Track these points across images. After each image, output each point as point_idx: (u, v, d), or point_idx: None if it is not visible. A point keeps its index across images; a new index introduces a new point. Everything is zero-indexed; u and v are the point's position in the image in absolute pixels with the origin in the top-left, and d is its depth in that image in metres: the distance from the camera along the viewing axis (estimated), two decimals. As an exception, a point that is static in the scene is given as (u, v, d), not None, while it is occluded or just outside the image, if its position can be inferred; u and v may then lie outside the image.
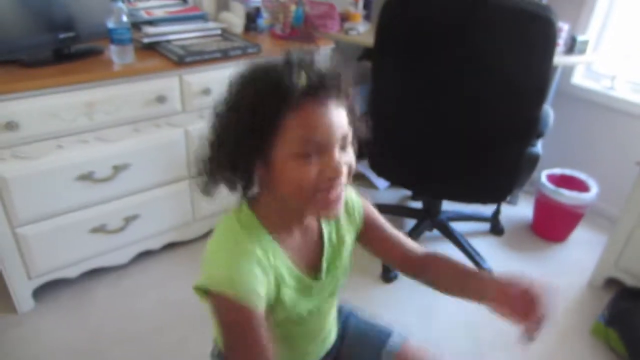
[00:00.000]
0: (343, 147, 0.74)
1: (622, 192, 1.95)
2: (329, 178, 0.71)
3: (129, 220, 1.83)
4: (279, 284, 0.79)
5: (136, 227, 1.86)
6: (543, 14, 1.43)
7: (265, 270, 0.76)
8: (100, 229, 1.77)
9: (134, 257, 1.95)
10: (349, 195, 0.92)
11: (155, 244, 1.98)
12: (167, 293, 1.85)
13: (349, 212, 0.93)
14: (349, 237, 0.93)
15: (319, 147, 0.70)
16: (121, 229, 1.82)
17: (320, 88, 0.70)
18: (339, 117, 0.72)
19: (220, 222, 0.81)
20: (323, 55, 0.78)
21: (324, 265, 0.89)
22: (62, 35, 1.59)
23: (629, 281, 1.87)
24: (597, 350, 1.71)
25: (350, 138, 0.75)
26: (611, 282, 1.96)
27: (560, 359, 1.69)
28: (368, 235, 0.96)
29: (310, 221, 0.87)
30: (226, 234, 0.79)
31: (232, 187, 0.79)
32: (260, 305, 0.73)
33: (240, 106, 0.72)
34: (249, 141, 0.71)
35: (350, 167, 0.75)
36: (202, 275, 0.76)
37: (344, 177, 0.73)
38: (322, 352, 1.01)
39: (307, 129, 0.69)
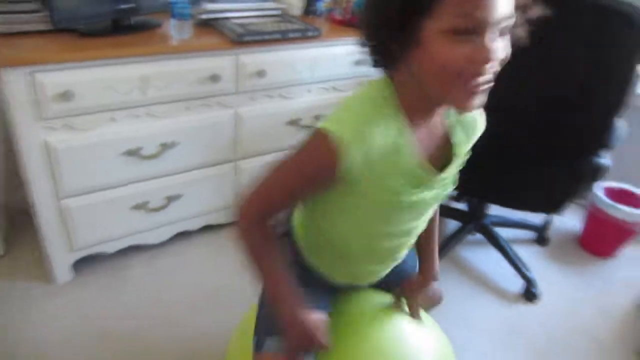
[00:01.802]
0: (502, 34, 0.66)
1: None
2: (479, 62, 0.64)
3: (171, 199, 1.79)
4: (389, 170, 0.77)
5: (177, 207, 1.82)
6: (631, 14, 1.33)
7: (392, 134, 0.75)
8: (142, 206, 1.73)
9: (170, 237, 1.91)
10: (479, 116, 0.89)
11: (193, 225, 1.95)
12: (201, 276, 1.82)
13: (470, 128, 0.88)
14: (463, 151, 0.88)
15: (477, 24, 0.62)
16: (163, 207, 1.78)
17: None
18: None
19: (361, 87, 0.79)
20: None
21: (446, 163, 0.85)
22: (122, 6, 1.55)
23: (683, 307, 1.79)
24: (645, 376, 1.64)
25: (511, 26, 0.68)
26: (662, 306, 1.88)
27: (607, 382, 1.63)
28: None
29: (437, 117, 0.81)
30: (365, 96, 0.77)
31: (385, 55, 0.74)
32: (344, 177, 0.73)
33: None
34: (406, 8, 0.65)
35: (505, 59, 0.68)
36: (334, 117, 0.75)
37: (494, 66, 0.67)
38: (380, 276, 1.05)
39: (468, 2, 0.61)
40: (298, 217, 0.99)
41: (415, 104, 0.75)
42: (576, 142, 1.59)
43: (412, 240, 0.97)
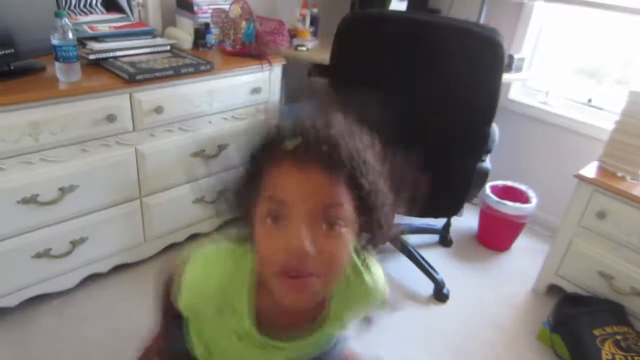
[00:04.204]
0: (330, 227, 0.61)
1: (560, 202, 2.08)
2: (280, 252, 0.59)
3: (76, 243, 1.74)
4: (220, 327, 0.79)
5: (84, 250, 1.78)
6: (493, 37, 1.51)
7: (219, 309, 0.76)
8: (44, 254, 1.67)
9: (80, 282, 1.85)
10: (378, 284, 0.82)
11: (103, 266, 1.90)
12: (118, 319, 1.78)
13: (357, 301, 0.82)
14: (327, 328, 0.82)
15: (284, 210, 0.60)
16: (67, 253, 1.73)
17: (308, 155, 0.60)
18: (322, 187, 0.60)
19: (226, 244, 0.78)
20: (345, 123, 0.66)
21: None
22: (-1, 52, 1.51)
23: (569, 288, 1.99)
24: (543, 355, 1.80)
25: (346, 223, 0.62)
26: (553, 289, 2.07)
27: (510, 365, 1.77)
28: None
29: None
30: (225, 254, 0.77)
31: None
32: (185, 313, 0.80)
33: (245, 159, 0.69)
34: (242, 195, 0.69)
35: (332, 259, 0.62)
36: (191, 255, 0.78)
37: (306, 264, 0.59)
38: None
39: (274, 187, 0.61)
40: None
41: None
42: (461, 150, 1.74)
43: None
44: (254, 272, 0.73)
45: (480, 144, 1.75)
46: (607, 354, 1.61)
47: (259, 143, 0.66)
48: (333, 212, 0.61)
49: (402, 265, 2.15)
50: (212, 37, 2.15)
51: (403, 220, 2.21)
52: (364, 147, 0.64)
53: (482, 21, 2.40)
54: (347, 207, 0.62)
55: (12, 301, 1.68)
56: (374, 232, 0.70)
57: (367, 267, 0.81)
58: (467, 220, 2.56)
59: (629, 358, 1.58)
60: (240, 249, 0.74)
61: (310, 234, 0.59)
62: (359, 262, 0.80)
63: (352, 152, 0.62)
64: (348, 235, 0.63)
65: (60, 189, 1.62)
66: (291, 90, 2.61)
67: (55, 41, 1.52)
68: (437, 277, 2.04)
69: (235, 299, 0.74)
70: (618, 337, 1.66)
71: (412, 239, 2.29)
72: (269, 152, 0.64)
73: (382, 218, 0.68)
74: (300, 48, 2.31)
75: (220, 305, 0.76)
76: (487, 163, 1.87)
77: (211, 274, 0.76)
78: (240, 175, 0.70)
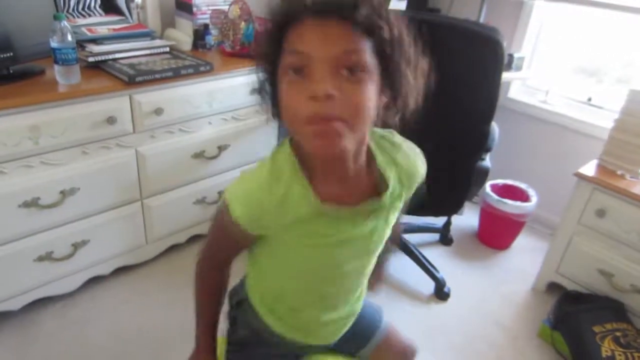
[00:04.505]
0: (352, 75, 0.64)
1: (560, 200, 2.08)
2: (304, 99, 0.63)
3: (77, 246, 1.75)
4: (287, 219, 0.78)
5: (86, 253, 1.79)
6: (493, 36, 1.51)
7: (283, 209, 0.76)
8: (46, 257, 1.68)
9: (82, 285, 1.86)
10: (412, 156, 0.87)
11: (105, 269, 1.91)
12: (120, 321, 1.78)
13: (407, 176, 0.85)
14: (399, 204, 0.86)
15: (306, 60, 0.64)
16: (69, 255, 1.74)
17: (327, 6, 0.64)
18: (340, 34, 0.64)
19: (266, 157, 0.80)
20: None
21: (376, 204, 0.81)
22: (-2, 56, 1.51)
23: (569, 286, 1.99)
24: (544, 353, 1.81)
25: (367, 74, 0.65)
26: (553, 287, 2.08)
27: (512, 363, 1.78)
28: None
29: (356, 167, 0.78)
30: (263, 166, 0.78)
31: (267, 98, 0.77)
32: (253, 231, 0.80)
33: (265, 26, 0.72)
34: (267, 60, 0.71)
35: (355, 103, 0.65)
36: (231, 184, 0.80)
37: (331, 108, 0.63)
38: (340, 332, 1.01)
39: (297, 41, 0.65)
40: (249, 281, 0.99)
41: (306, 158, 0.76)
42: (461, 149, 1.74)
43: (363, 279, 0.96)
44: (295, 161, 0.76)
45: (480, 142, 1.75)
46: (606, 351, 1.62)
47: (280, 4, 0.69)
48: (353, 57, 0.64)
49: (403, 264, 2.15)
50: (212, 38, 2.15)
51: (404, 220, 2.22)
52: (383, 8, 0.68)
53: (482, 20, 2.40)
54: (368, 54, 0.65)
55: (14, 305, 1.69)
56: (395, 95, 0.72)
57: (400, 140, 0.87)
58: (467, 218, 2.57)
59: (629, 354, 1.59)
60: (273, 153, 0.79)
61: (332, 79, 0.63)
62: (391, 135, 0.86)
63: (378, 12, 0.66)
64: (370, 81, 0.66)
65: (61, 192, 1.62)
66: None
67: (54, 44, 1.52)
68: (438, 275, 2.05)
69: (291, 186, 0.75)
70: (618, 333, 1.67)
71: (413, 238, 2.30)
72: (289, 9, 0.67)
73: (403, 78, 0.71)
74: (299, 48, 2.31)
75: (279, 198, 0.75)
76: (487, 162, 1.88)
77: (258, 176, 0.78)
78: (263, 37, 0.72)
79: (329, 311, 0.95)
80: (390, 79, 0.70)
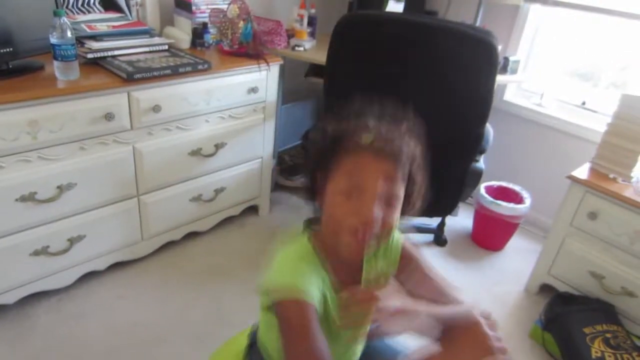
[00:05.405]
0: (388, 204, 0.79)
1: (553, 203, 2.10)
2: (358, 221, 0.77)
3: (73, 241, 1.76)
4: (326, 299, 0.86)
5: (81, 248, 1.80)
6: (487, 39, 1.53)
7: (320, 282, 0.84)
8: (42, 252, 1.69)
9: (77, 279, 1.87)
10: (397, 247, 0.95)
11: (101, 264, 1.92)
12: (115, 316, 1.80)
13: (388, 252, 0.94)
14: (385, 280, 0.94)
15: (359, 190, 0.77)
16: (65, 250, 1.75)
17: (381, 151, 0.77)
18: (388, 178, 0.78)
19: (283, 248, 0.89)
20: (406, 120, 0.84)
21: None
22: (-2, 51, 1.52)
23: (561, 287, 2.02)
24: (535, 353, 1.83)
25: (398, 202, 0.80)
26: (545, 288, 2.10)
27: (503, 363, 1.80)
28: (402, 276, 0.95)
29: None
30: (289, 253, 0.87)
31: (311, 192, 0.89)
32: (317, 305, 0.82)
33: (316, 142, 0.85)
34: (316, 171, 0.85)
35: (387, 226, 0.79)
36: (267, 288, 0.84)
37: (373, 228, 0.77)
38: None
39: (354, 171, 0.78)
40: (259, 334, 1.02)
41: (331, 256, 0.86)
42: (455, 150, 1.76)
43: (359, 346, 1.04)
44: (317, 255, 0.87)
45: (474, 144, 1.77)
46: (596, 352, 1.64)
47: (331, 135, 0.82)
48: (395, 193, 0.80)
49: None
50: (210, 37, 2.16)
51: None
52: (416, 147, 0.83)
53: (478, 23, 2.42)
54: (402, 188, 0.81)
55: (9, 298, 1.70)
56: (406, 209, 0.86)
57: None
58: (461, 220, 2.59)
59: (618, 356, 1.61)
60: (293, 244, 0.89)
61: (376, 207, 0.77)
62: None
63: (411, 151, 0.81)
64: (398, 210, 0.82)
65: (58, 187, 1.63)
66: (288, 90, 2.63)
67: (53, 40, 1.53)
68: (432, 276, 2.06)
69: (317, 271, 0.85)
70: (608, 335, 1.69)
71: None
72: (342, 143, 0.80)
73: (416, 202, 0.87)
74: (297, 48, 2.33)
75: (313, 269, 0.85)
76: (481, 163, 1.90)
77: (287, 258, 0.85)
78: (311, 160, 0.87)
79: None
80: (410, 197, 0.84)
